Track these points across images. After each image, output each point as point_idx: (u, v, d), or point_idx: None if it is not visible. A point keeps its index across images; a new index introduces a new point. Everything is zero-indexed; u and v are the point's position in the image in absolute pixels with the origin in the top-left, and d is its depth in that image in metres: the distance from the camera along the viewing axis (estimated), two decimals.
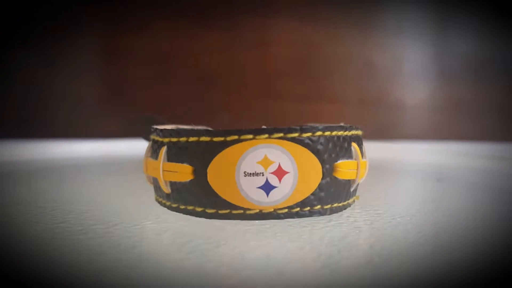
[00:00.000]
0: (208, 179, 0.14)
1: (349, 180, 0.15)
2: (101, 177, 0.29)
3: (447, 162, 0.36)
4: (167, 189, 0.15)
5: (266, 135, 0.13)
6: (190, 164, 0.14)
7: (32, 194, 0.21)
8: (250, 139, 0.13)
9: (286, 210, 0.13)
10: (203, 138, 0.14)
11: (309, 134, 0.13)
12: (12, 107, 0.53)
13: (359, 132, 0.16)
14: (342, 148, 0.14)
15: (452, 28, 0.54)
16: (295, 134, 0.13)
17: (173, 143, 0.15)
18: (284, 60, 0.55)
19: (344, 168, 0.14)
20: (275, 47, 0.55)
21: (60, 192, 0.21)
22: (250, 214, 0.13)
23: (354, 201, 0.16)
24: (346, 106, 0.55)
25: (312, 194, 0.14)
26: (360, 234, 0.14)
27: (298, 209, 0.14)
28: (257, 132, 0.13)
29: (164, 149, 0.15)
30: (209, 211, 0.14)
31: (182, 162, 0.14)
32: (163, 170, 0.15)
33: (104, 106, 0.55)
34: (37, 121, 0.53)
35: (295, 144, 0.13)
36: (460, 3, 0.53)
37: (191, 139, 0.14)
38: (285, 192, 0.13)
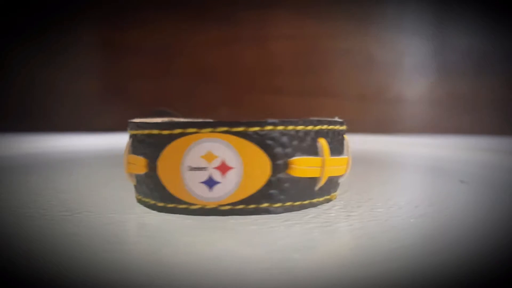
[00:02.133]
0: (158, 172, 0.13)
1: (312, 178, 0.14)
2: (97, 169, 0.30)
3: (446, 156, 0.36)
4: (133, 181, 0.15)
5: (210, 129, 0.13)
6: (144, 157, 0.14)
7: (29, 186, 0.22)
8: (194, 132, 0.13)
9: (229, 207, 0.13)
10: (153, 131, 0.14)
11: (256, 128, 0.13)
12: (13, 102, 0.56)
13: (337, 127, 0.15)
14: (301, 144, 0.14)
15: (451, 22, 0.52)
16: (241, 128, 0.13)
17: (134, 135, 0.15)
18: (284, 55, 0.54)
19: (301, 165, 0.13)
20: (274, 42, 0.54)
21: (45, 183, 0.22)
22: (193, 209, 0.13)
23: (327, 200, 0.15)
24: (346, 100, 0.54)
25: (259, 191, 0.13)
26: (320, 236, 0.13)
27: (242, 206, 0.13)
28: (201, 125, 0.13)
29: (129, 142, 0.15)
30: (159, 204, 0.14)
31: (139, 155, 0.14)
32: (128, 163, 0.15)
33: (104, 100, 0.56)
34: (38, 115, 0.56)
35: (241, 139, 0.13)
36: None
37: (145, 132, 0.14)
38: (229, 188, 0.13)
